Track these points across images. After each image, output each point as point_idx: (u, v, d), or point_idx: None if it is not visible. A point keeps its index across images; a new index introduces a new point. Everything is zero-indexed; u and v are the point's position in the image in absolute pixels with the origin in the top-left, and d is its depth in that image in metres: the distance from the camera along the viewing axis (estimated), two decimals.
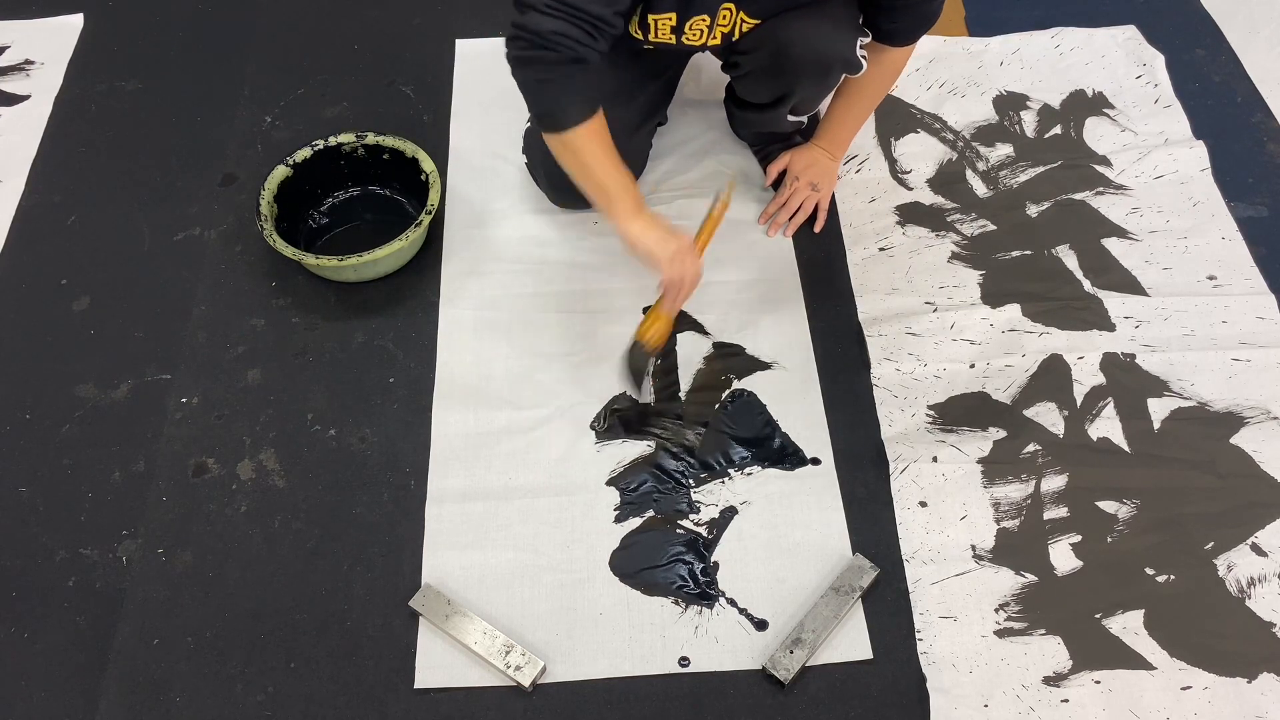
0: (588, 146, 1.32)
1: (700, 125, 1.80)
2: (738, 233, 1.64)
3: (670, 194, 1.72)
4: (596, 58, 1.27)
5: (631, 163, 1.67)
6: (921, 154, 1.77)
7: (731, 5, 1.36)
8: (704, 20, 1.37)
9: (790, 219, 1.65)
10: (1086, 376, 1.49)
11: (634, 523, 1.37)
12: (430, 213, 1.57)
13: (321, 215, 1.70)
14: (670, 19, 1.36)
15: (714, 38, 1.41)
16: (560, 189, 1.66)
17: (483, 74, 1.88)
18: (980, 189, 1.73)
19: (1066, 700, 1.22)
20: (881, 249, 1.65)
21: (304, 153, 1.63)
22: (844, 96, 1.60)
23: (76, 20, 2.01)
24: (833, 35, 1.44)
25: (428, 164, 1.62)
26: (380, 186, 1.72)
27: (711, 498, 1.39)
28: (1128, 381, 1.49)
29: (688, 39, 1.40)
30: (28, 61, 1.94)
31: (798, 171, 1.65)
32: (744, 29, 1.42)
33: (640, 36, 1.40)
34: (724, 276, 1.60)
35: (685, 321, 1.57)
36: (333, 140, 1.65)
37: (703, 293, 1.59)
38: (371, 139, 1.65)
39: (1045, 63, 1.91)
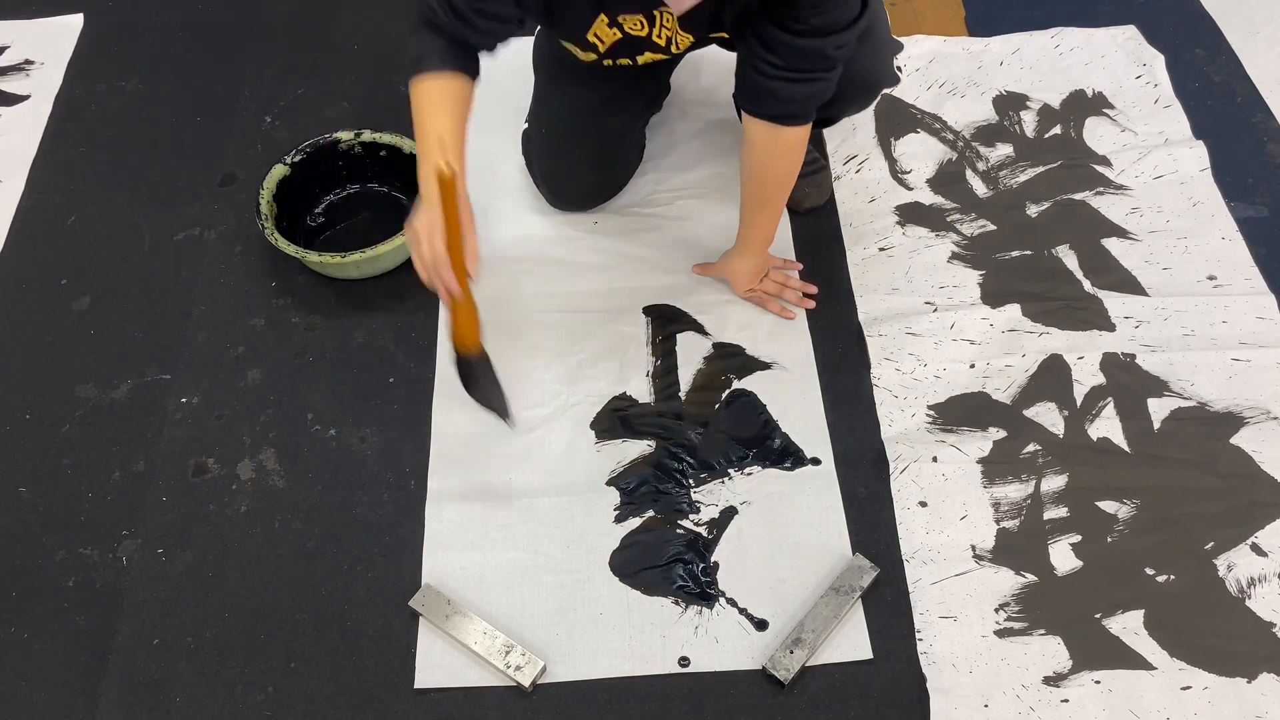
0: (423, 96, 1.25)
1: (700, 125, 1.80)
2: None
3: (670, 194, 1.72)
4: (470, 41, 1.26)
5: (624, 165, 1.68)
6: (921, 154, 1.77)
7: (667, 10, 1.28)
8: (639, 19, 1.30)
9: (789, 298, 1.59)
10: (1086, 376, 1.49)
11: (634, 523, 1.37)
12: None
13: (320, 214, 1.70)
14: (603, 22, 1.30)
15: (659, 40, 1.33)
16: (557, 191, 1.66)
17: (482, 74, 1.88)
18: (980, 189, 1.73)
19: (1066, 700, 1.22)
20: (881, 249, 1.65)
21: (302, 151, 1.63)
22: (747, 191, 1.48)
23: (76, 20, 2.01)
24: (878, 55, 1.42)
25: None
26: (379, 184, 1.72)
27: (711, 498, 1.39)
28: (1128, 381, 1.49)
29: (630, 30, 1.31)
30: (28, 61, 1.94)
31: (751, 286, 1.57)
32: (681, 43, 1.36)
33: (587, 57, 1.36)
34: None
35: (685, 321, 1.57)
36: (330, 137, 1.65)
37: (702, 294, 1.60)
38: (368, 135, 1.65)
39: (1045, 63, 1.91)
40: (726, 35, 1.34)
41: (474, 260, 1.19)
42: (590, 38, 1.32)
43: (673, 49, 1.36)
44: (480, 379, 1.32)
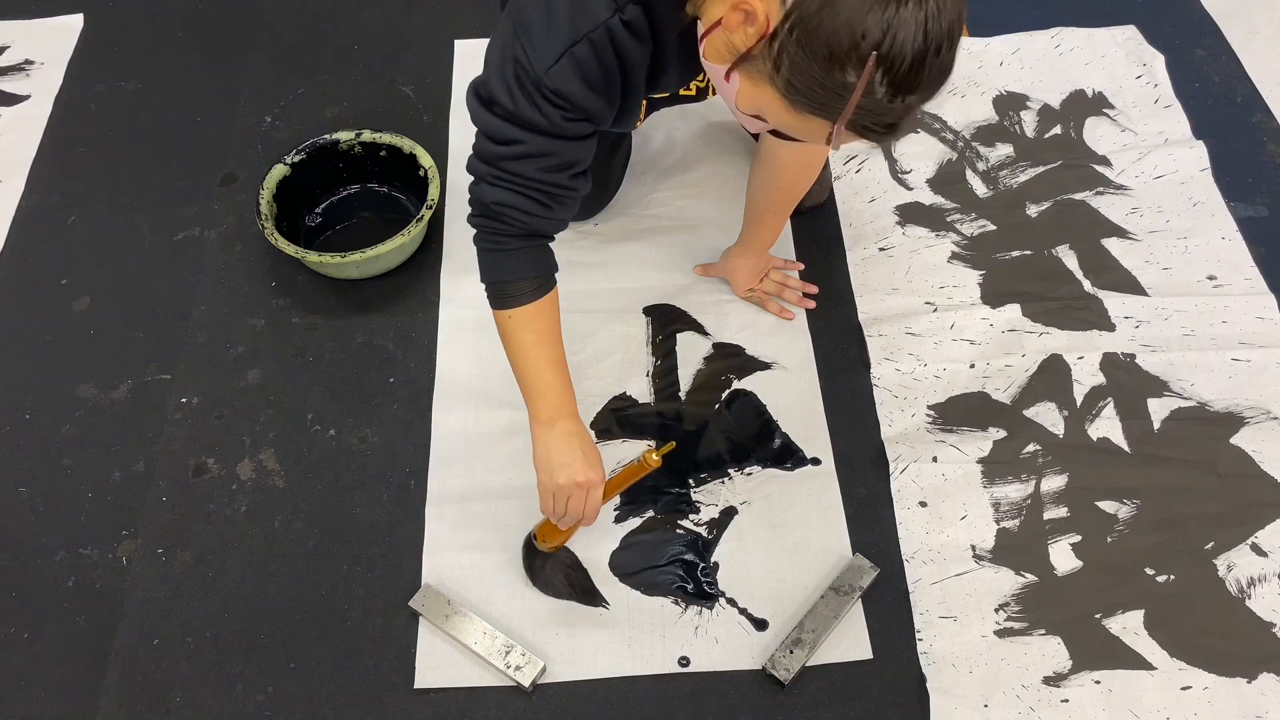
0: (521, 333, 1.19)
1: (700, 125, 1.80)
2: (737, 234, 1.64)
3: (670, 194, 1.71)
4: (556, 228, 1.18)
5: (612, 180, 1.67)
6: (921, 154, 1.77)
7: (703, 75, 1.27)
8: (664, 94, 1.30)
9: (788, 298, 1.59)
10: (1086, 376, 1.49)
11: (634, 523, 1.37)
12: (431, 207, 1.57)
13: (320, 214, 1.70)
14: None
15: (688, 91, 1.33)
16: None
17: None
18: (980, 189, 1.73)
19: (1066, 700, 1.22)
20: (881, 249, 1.65)
21: (301, 151, 1.63)
22: (760, 201, 1.50)
23: (76, 20, 2.01)
24: None
25: (426, 159, 1.62)
26: (379, 184, 1.72)
27: (711, 498, 1.39)
28: (1128, 381, 1.49)
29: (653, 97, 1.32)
30: (28, 61, 1.94)
31: (751, 285, 1.57)
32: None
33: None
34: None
35: (685, 321, 1.57)
36: (329, 137, 1.65)
37: (702, 294, 1.60)
38: (368, 136, 1.65)
39: (1045, 63, 1.91)
40: None
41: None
42: (637, 123, 1.32)
43: (710, 95, 1.35)
44: (546, 572, 1.33)
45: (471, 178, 1.15)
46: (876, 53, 0.82)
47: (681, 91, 1.31)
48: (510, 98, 1.06)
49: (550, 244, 1.22)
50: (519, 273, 1.17)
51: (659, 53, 1.11)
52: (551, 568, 1.32)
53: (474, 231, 1.18)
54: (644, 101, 1.27)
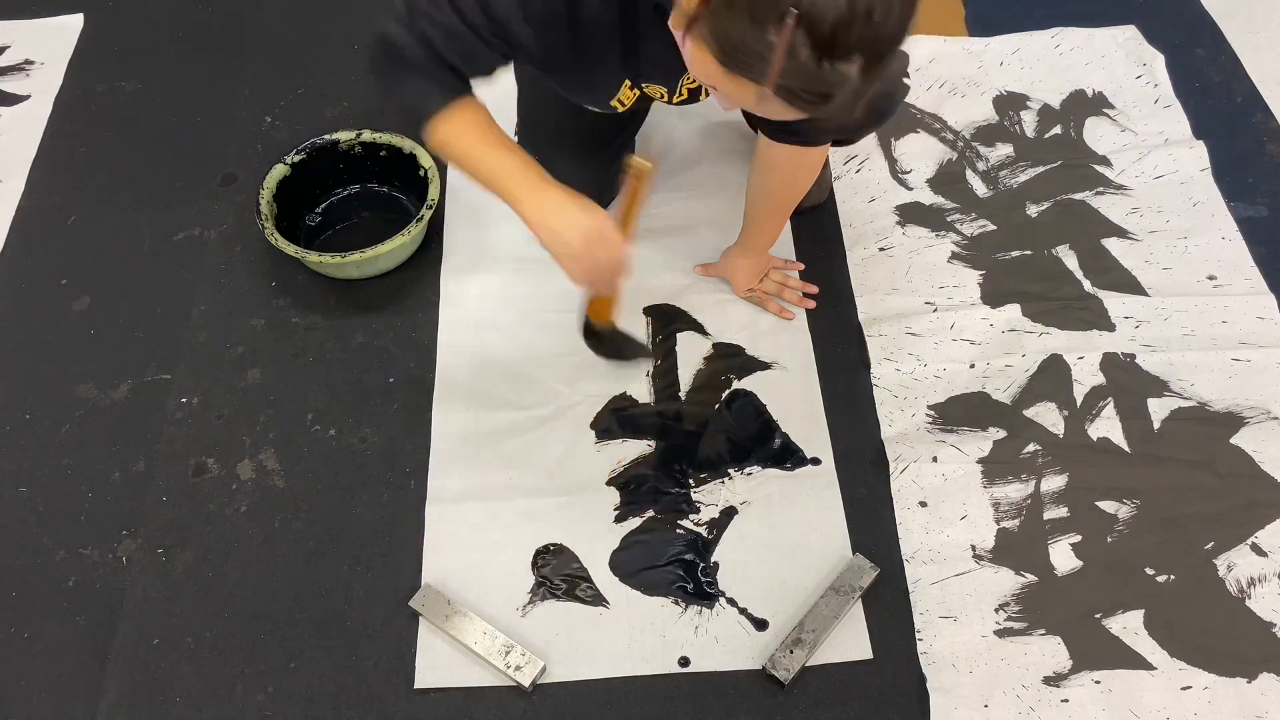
0: (460, 137, 1.14)
1: (700, 124, 1.80)
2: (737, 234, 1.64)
3: (670, 194, 1.71)
4: (456, 66, 1.13)
5: (613, 183, 1.66)
6: (921, 154, 1.77)
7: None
8: (661, 89, 1.28)
9: (788, 298, 1.59)
10: (1086, 376, 1.49)
11: (634, 523, 1.37)
12: (431, 207, 1.57)
13: (320, 214, 1.70)
14: (626, 87, 1.27)
15: (681, 96, 1.31)
16: None
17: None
18: (980, 189, 1.73)
19: (1066, 700, 1.22)
20: (881, 249, 1.65)
21: (301, 151, 1.63)
22: (759, 203, 1.49)
23: (76, 20, 2.01)
24: (893, 81, 1.40)
25: (425, 159, 1.62)
26: (379, 184, 1.72)
27: (711, 498, 1.39)
28: (1128, 381, 1.49)
29: (649, 94, 1.30)
30: (28, 61, 1.94)
31: (751, 285, 1.57)
32: (709, 92, 1.31)
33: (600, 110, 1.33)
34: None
35: (685, 321, 1.57)
36: (329, 137, 1.65)
37: (702, 294, 1.60)
38: (368, 136, 1.65)
39: (1045, 63, 1.91)
40: None
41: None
42: (614, 103, 1.30)
43: (702, 96, 1.35)
44: (614, 342, 1.38)
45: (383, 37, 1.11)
46: (796, 11, 0.80)
47: (675, 100, 1.31)
48: None
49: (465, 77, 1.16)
50: (435, 82, 1.12)
51: (631, 24, 1.10)
52: (611, 336, 1.36)
53: (375, 78, 1.14)
54: (631, 88, 1.27)
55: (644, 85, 1.27)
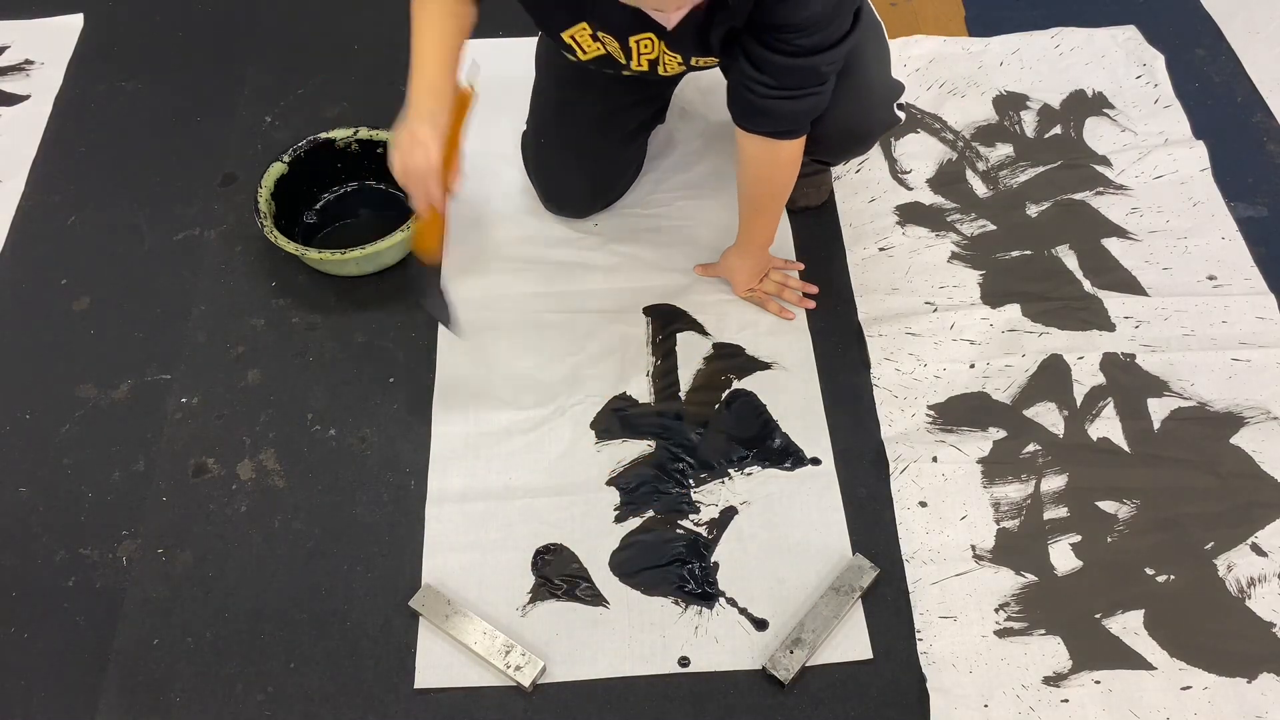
0: (419, 14, 1.26)
1: (700, 125, 1.80)
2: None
3: (670, 194, 1.72)
4: None
5: (621, 178, 1.66)
6: (921, 154, 1.77)
7: (651, 36, 1.27)
8: (614, 43, 1.29)
9: (788, 298, 1.58)
10: (1086, 376, 1.49)
11: (634, 523, 1.37)
12: None
13: (318, 212, 1.70)
14: (585, 31, 1.29)
15: (640, 66, 1.33)
16: (554, 197, 1.66)
17: (483, 75, 1.88)
18: (980, 189, 1.73)
19: (1066, 700, 1.22)
20: (881, 249, 1.65)
21: (299, 149, 1.63)
22: (745, 200, 1.49)
23: (76, 20, 2.01)
24: (869, 105, 1.39)
25: None
26: (376, 181, 1.72)
27: (711, 498, 1.39)
28: (1128, 381, 1.49)
29: (611, 54, 1.32)
30: (28, 61, 1.94)
31: (751, 285, 1.57)
32: (670, 66, 1.34)
33: (570, 57, 1.35)
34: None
35: (685, 321, 1.57)
36: (327, 135, 1.65)
37: (702, 294, 1.60)
38: (365, 133, 1.65)
39: (1045, 63, 1.91)
40: (716, 60, 1.33)
41: (459, 177, 1.27)
42: (567, 39, 1.31)
43: (660, 70, 1.35)
44: (431, 287, 1.37)
45: None
46: None
47: (634, 66, 1.31)
48: None
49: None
50: None
51: None
52: (435, 284, 1.36)
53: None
54: (592, 37, 1.28)
55: (602, 34, 1.27)
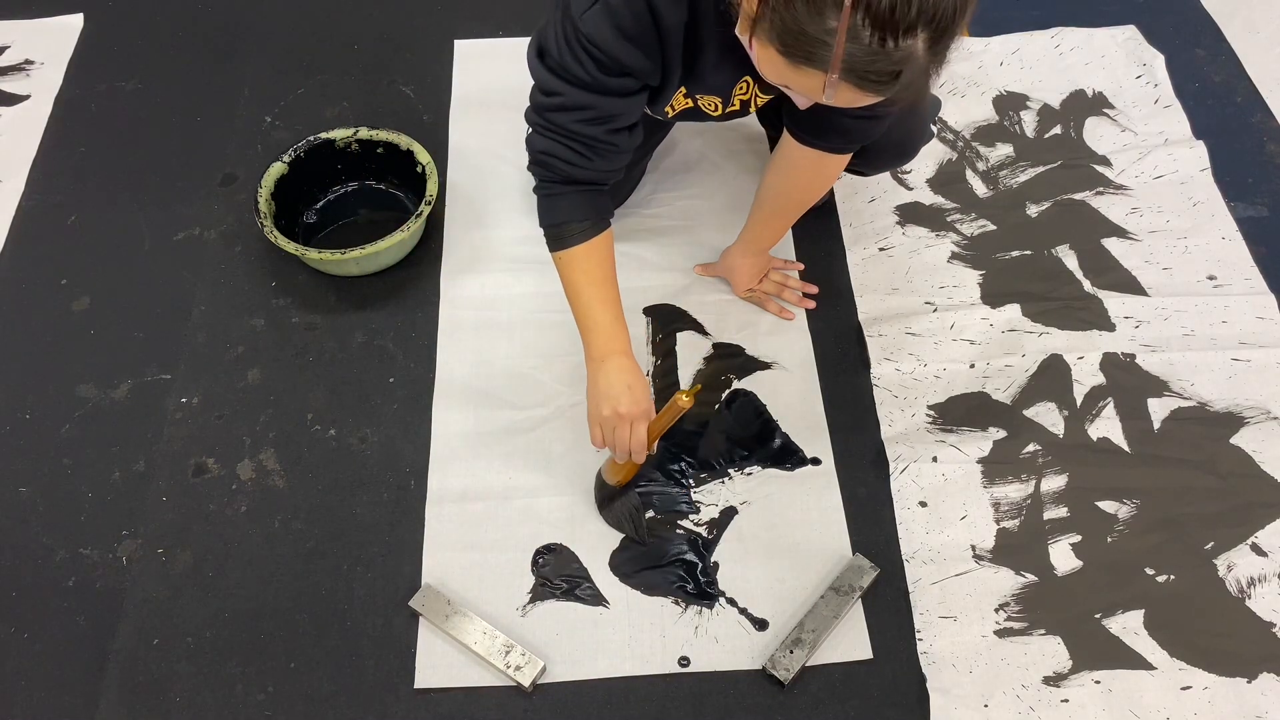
0: (573, 273, 1.24)
1: (700, 125, 1.80)
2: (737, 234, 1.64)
3: (671, 194, 1.71)
4: (603, 177, 1.22)
5: (626, 190, 1.65)
6: (921, 154, 1.76)
7: (749, 79, 1.27)
8: (715, 100, 1.29)
9: (788, 298, 1.59)
10: (1086, 376, 1.49)
11: None
12: (430, 202, 1.57)
13: (318, 212, 1.70)
14: (680, 94, 1.28)
15: (733, 106, 1.32)
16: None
17: (482, 74, 1.88)
18: (980, 189, 1.73)
19: (1066, 700, 1.22)
20: (881, 249, 1.65)
21: (299, 149, 1.63)
22: (769, 203, 1.48)
23: (76, 20, 2.01)
24: (921, 119, 1.38)
25: (423, 155, 1.62)
26: (376, 181, 1.72)
27: (711, 498, 1.39)
28: (1128, 381, 1.49)
29: (703, 108, 1.32)
30: (28, 61, 1.94)
31: (751, 285, 1.57)
32: (759, 102, 1.34)
33: (650, 112, 1.34)
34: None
35: (685, 321, 1.57)
36: (325, 135, 1.65)
37: (702, 294, 1.60)
38: (365, 133, 1.65)
39: (1045, 63, 1.91)
40: None
41: (655, 450, 1.29)
42: (667, 109, 1.31)
43: (751, 108, 1.35)
44: (617, 507, 1.37)
45: (529, 128, 1.22)
46: None
47: (726, 110, 1.31)
48: (557, 47, 1.11)
49: (604, 189, 1.25)
50: (568, 215, 1.22)
51: (695, 22, 1.11)
52: (621, 503, 1.35)
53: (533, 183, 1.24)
54: (686, 95, 1.27)
55: (698, 97, 1.28)
